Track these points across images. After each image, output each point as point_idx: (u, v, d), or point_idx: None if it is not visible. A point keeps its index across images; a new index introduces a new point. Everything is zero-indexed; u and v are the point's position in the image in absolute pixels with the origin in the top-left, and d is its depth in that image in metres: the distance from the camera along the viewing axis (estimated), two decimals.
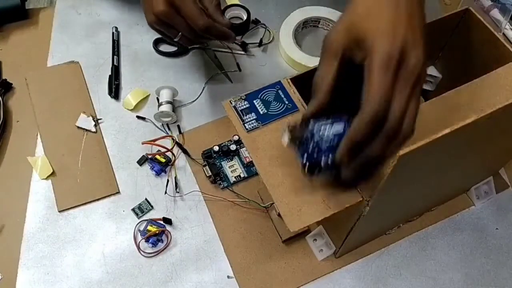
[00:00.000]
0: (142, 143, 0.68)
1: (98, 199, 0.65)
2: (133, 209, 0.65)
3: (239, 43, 0.78)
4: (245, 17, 0.79)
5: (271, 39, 0.80)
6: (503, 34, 0.81)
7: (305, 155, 0.44)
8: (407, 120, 0.40)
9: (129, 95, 0.73)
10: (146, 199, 0.65)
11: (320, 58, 0.44)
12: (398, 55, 0.40)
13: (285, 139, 0.45)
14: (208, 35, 0.60)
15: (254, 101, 0.51)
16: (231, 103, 0.51)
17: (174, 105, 0.71)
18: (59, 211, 0.64)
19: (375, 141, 0.40)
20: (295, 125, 0.45)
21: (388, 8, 0.42)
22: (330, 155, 0.43)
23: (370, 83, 0.40)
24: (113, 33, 0.79)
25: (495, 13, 0.83)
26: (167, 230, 0.63)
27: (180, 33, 0.60)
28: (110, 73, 0.75)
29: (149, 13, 0.59)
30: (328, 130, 0.44)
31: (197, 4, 0.59)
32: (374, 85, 0.40)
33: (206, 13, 0.61)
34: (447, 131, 0.40)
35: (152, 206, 0.65)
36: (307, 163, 0.44)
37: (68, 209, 0.64)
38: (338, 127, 0.43)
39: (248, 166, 0.67)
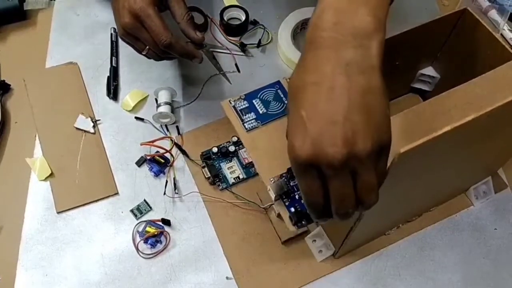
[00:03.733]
0: (141, 144, 0.68)
1: (96, 200, 0.65)
2: (131, 210, 0.64)
3: (238, 44, 0.78)
4: (243, 18, 0.79)
5: (269, 40, 0.80)
6: (501, 35, 0.81)
7: (292, 209, 0.45)
8: (359, 198, 0.37)
9: (127, 96, 0.73)
10: (144, 200, 0.65)
11: None
12: (305, 161, 0.35)
13: (272, 194, 0.45)
14: (172, 52, 0.60)
15: (254, 101, 0.51)
16: (230, 102, 0.51)
17: (173, 106, 0.71)
18: (58, 212, 0.64)
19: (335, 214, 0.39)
20: (279, 182, 0.46)
21: (311, 90, 0.36)
22: None
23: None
24: (111, 34, 0.79)
25: (493, 14, 0.83)
26: (166, 231, 0.62)
27: (147, 47, 0.60)
28: (108, 74, 0.75)
29: (118, 25, 0.59)
30: None
31: (162, 20, 0.58)
32: (299, 186, 0.38)
33: (180, 27, 0.61)
34: (447, 128, 0.40)
35: (150, 207, 0.65)
36: (295, 216, 0.45)
37: (67, 210, 0.64)
38: None
39: (247, 168, 0.67)
